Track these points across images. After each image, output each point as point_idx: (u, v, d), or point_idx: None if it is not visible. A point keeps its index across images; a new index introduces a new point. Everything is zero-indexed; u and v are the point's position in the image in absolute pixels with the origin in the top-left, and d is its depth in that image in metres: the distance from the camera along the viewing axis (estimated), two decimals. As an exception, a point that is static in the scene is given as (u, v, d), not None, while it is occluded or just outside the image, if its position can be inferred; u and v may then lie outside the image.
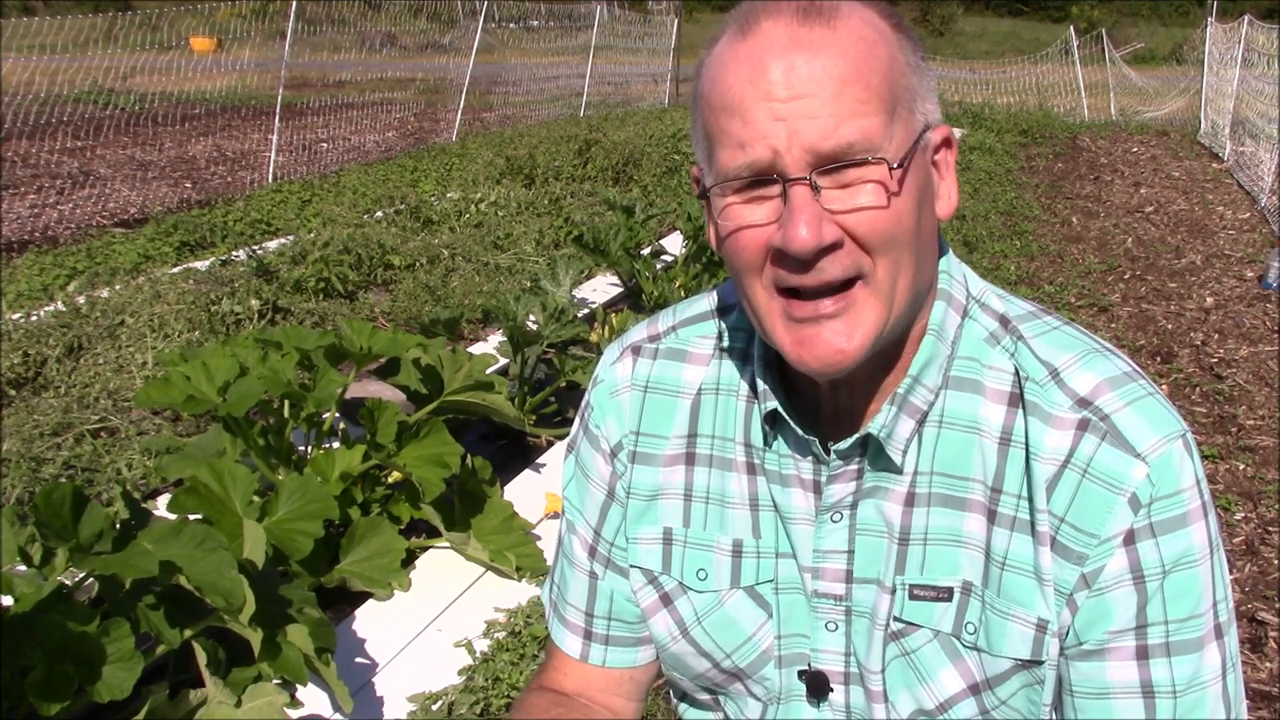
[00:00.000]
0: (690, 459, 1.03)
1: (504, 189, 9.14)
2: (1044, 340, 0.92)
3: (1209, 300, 6.56)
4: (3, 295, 5.71)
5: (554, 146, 10.74)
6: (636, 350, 1.07)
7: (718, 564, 1.01)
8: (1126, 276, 7.11)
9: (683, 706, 1.15)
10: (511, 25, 16.49)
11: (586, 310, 5.75)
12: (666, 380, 1.04)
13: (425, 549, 3.23)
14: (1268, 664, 2.94)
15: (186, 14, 11.30)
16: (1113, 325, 6.01)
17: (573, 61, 16.72)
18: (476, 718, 2.50)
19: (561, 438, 4.04)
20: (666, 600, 1.04)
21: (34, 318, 5.14)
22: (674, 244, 7.17)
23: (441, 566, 3.16)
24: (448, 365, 3.45)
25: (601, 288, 6.41)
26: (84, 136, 11.06)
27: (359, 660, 2.71)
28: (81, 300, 5.35)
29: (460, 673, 2.67)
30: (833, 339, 0.84)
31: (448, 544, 3.14)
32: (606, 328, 4.73)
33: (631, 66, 18.34)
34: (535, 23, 17.63)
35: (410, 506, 3.18)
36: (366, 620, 2.87)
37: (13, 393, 4.37)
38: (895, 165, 0.81)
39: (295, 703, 2.25)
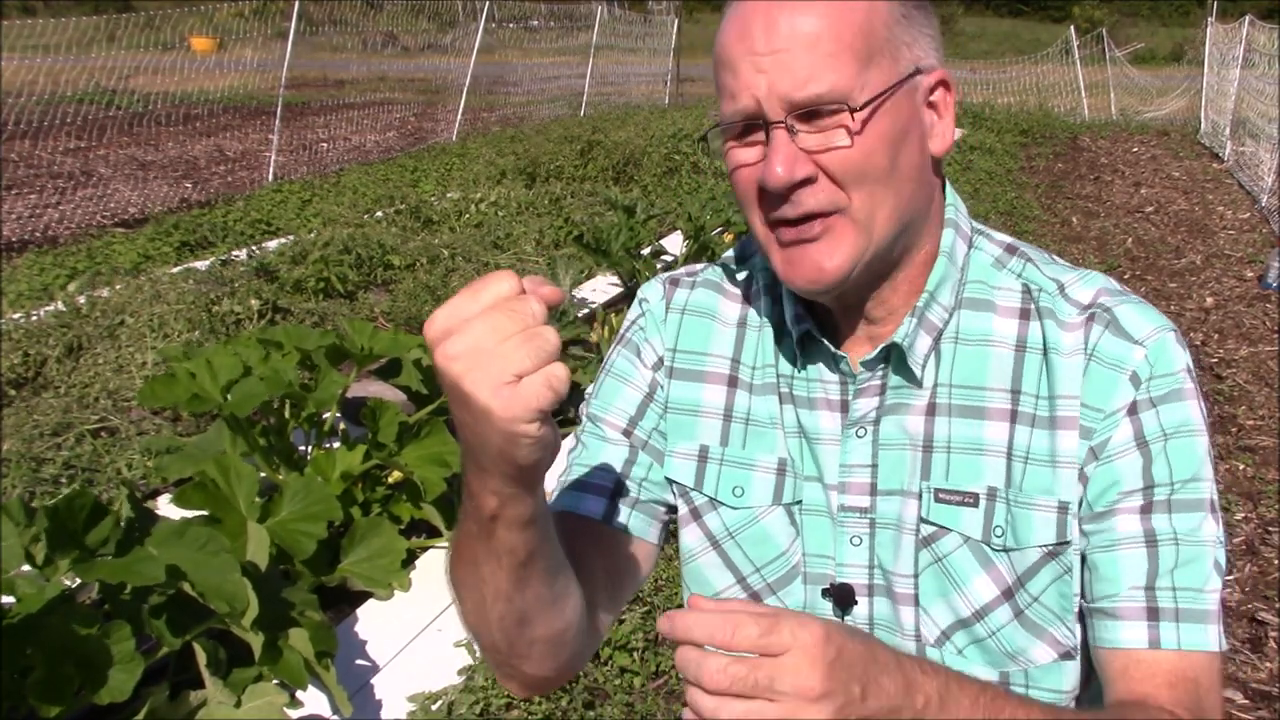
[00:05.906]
0: (733, 381, 1.09)
1: (504, 189, 9.14)
2: (1046, 266, 1.03)
3: (1209, 300, 6.57)
4: (3, 295, 5.71)
5: (554, 146, 10.74)
6: (675, 281, 1.15)
7: (757, 481, 1.06)
8: (1126, 276, 7.11)
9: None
10: (512, 25, 16.50)
11: (587, 310, 5.75)
12: (703, 304, 1.12)
13: (425, 549, 3.23)
14: (1268, 664, 2.95)
15: (187, 14, 11.30)
16: (1113, 325, 6.00)
17: (573, 61, 16.72)
18: (476, 718, 2.50)
19: (562, 437, 4.04)
20: (696, 515, 1.09)
21: (34, 318, 5.14)
22: (674, 244, 7.17)
23: (442, 566, 3.15)
24: (448, 366, 3.45)
25: (601, 288, 6.41)
26: (85, 137, 11.06)
27: (359, 660, 2.71)
28: (81, 300, 5.36)
29: (460, 673, 2.67)
30: (816, 258, 0.94)
31: (448, 544, 3.14)
32: (606, 328, 4.74)
33: (632, 66, 18.34)
34: (535, 23, 17.64)
35: (411, 506, 3.18)
36: (367, 620, 2.87)
37: (13, 393, 4.38)
38: (857, 109, 0.90)
39: (295, 703, 2.25)
